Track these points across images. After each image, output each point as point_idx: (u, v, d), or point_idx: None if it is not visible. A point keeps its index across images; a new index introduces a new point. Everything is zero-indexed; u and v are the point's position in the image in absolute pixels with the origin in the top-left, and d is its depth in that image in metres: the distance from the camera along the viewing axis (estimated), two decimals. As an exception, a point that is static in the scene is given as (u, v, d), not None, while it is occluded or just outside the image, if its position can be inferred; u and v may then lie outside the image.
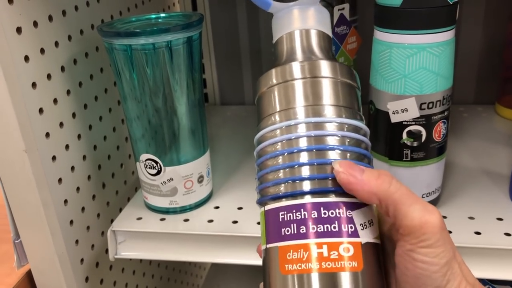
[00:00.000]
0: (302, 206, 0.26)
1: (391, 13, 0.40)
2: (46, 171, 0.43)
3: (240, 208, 0.50)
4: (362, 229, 0.26)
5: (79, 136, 0.48)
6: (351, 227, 0.26)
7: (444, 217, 0.45)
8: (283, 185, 0.27)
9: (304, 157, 0.27)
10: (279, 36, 0.30)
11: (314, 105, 0.27)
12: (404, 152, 0.43)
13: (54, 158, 0.44)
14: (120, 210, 0.57)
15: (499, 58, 0.70)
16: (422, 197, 0.45)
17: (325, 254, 0.25)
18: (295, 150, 0.27)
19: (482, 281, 0.54)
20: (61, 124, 0.45)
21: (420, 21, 0.39)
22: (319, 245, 0.25)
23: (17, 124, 0.39)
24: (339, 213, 0.26)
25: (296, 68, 0.28)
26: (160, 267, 0.73)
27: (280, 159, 0.27)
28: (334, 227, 0.25)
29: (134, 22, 0.47)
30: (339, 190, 0.26)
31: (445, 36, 0.40)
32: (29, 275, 0.47)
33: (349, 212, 0.26)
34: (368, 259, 0.26)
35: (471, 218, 0.45)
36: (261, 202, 0.28)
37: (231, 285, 0.89)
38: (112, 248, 0.48)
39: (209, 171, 0.51)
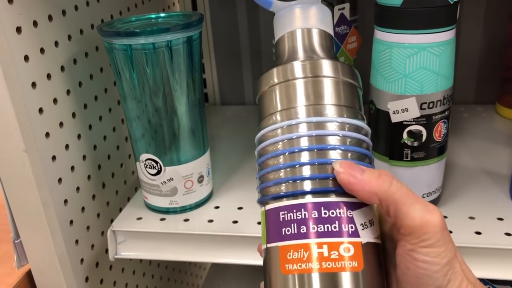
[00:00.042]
0: (303, 206, 0.26)
1: (391, 13, 0.40)
2: (46, 171, 0.43)
3: (240, 208, 0.50)
4: (362, 229, 0.26)
5: (79, 136, 0.48)
6: (352, 227, 0.26)
7: (445, 217, 0.45)
8: (283, 184, 0.27)
9: (305, 157, 0.26)
10: (281, 35, 0.30)
11: (315, 104, 0.27)
12: (405, 152, 0.43)
13: (54, 158, 0.44)
14: (120, 210, 0.57)
15: (499, 58, 0.70)
16: (423, 197, 0.45)
17: (326, 254, 0.25)
18: (296, 150, 0.27)
19: (483, 281, 0.54)
20: (61, 124, 0.45)
21: (421, 21, 0.39)
22: (320, 245, 0.25)
23: (17, 124, 0.39)
24: (339, 213, 0.26)
25: (297, 67, 0.28)
26: (160, 267, 0.73)
27: (281, 159, 0.27)
28: (335, 227, 0.25)
29: (134, 21, 0.47)
30: (340, 190, 0.26)
31: (446, 36, 0.39)
32: (29, 275, 0.47)
33: (350, 212, 0.26)
34: (368, 259, 0.26)
35: (471, 218, 0.45)
36: (262, 202, 0.28)
37: (231, 285, 0.89)
38: (112, 248, 0.48)
39: (209, 171, 0.51)
